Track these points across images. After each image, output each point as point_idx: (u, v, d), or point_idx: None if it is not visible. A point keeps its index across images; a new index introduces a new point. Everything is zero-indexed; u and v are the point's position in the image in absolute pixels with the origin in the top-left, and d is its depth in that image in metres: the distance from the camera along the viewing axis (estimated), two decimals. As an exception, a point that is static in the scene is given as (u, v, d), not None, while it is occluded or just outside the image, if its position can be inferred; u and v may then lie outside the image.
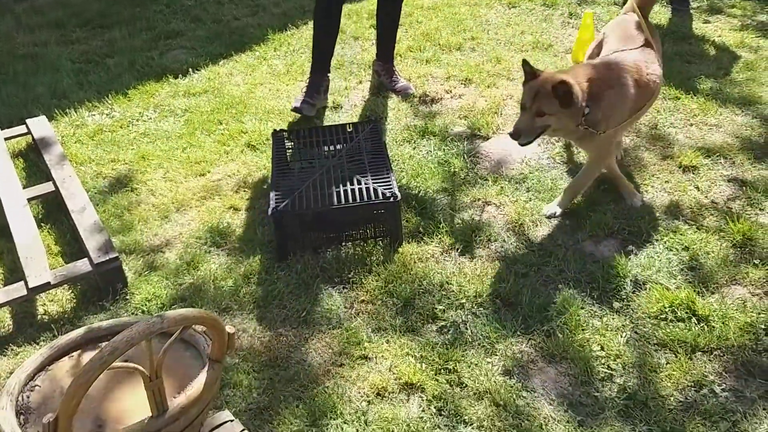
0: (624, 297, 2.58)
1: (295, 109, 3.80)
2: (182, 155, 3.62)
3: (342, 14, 3.85)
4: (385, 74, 4.13)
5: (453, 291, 2.65)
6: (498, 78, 4.19)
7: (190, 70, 4.50)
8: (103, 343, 1.72)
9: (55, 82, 4.45)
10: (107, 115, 4.05)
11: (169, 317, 1.48)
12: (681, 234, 2.85)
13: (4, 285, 2.75)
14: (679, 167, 3.28)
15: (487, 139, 3.62)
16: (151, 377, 1.52)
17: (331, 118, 3.87)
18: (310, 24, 5.03)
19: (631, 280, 2.64)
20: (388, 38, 4.11)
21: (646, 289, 2.60)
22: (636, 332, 2.44)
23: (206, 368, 1.68)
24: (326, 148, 3.27)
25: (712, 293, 2.57)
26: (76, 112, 4.06)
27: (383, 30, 4.10)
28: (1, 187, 3.14)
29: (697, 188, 3.14)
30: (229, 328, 1.66)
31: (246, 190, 3.33)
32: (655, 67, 2.95)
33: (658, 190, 3.15)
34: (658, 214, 2.98)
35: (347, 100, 4.06)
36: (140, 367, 1.50)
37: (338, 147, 3.27)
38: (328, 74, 3.97)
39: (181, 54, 4.77)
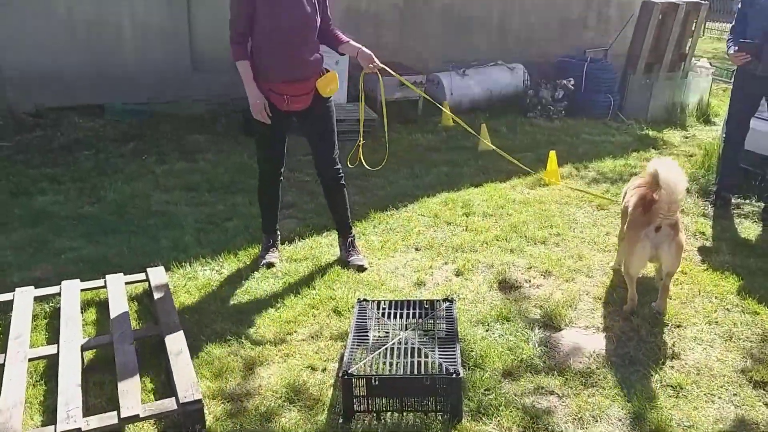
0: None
1: (269, 264, 4.53)
2: (275, 314, 3.98)
3: (438, 201, 4.26)
4: (344, 249, 4.67)
5: (504, 474, 2.72)
6: (577, 274, 4.40)
7: (297, 237, 4.99)
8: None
9: (179, 238, 5.04)
10: (217, 271, 4.53)
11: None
12: (743, 448, 2.83)
13: (100, 413, 3.07)
14: (750, 381, 3.29)
15: (559, 330, 3.77)
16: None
17: (413, 294, 4.16)
18: (409, 206, 5.54)
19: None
20: (342, 215, 4.69)
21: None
22: None
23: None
24: (403, 321, 3.54)
25: None
26: (191, 265, 4.57)
27: (335, 212, 4.69)
28: (116, 325, 3.57)
29: (766, 405, 3.12)
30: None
31: (325, 351, 3.60)
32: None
33: (725, 401, 3.16)
34: (721, 426, 2.97)
35: (431, 278, 4.37)
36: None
37: (414, 320, 3.53)
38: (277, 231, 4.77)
39: (292, 223, 5.31)
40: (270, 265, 4.55)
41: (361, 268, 4.49)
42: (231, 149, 7.21)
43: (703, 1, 9.54)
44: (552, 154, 6.12)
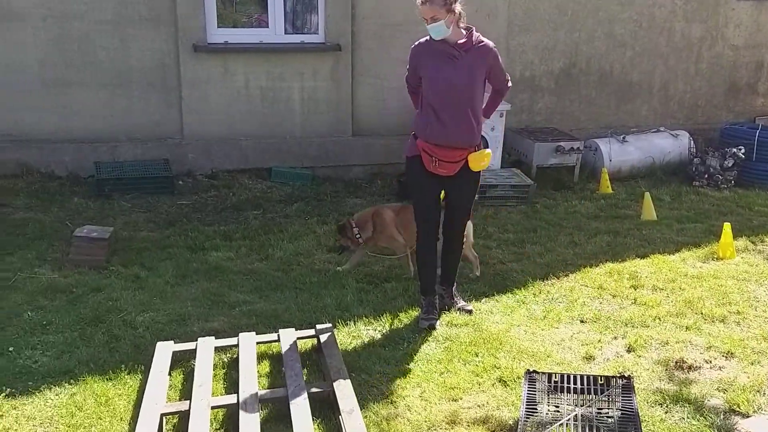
0: None
1: (430, 327, 4.56)
2: (439, 379, 3.96)
3: (602, 272, 4.19)
4: (448, 296, 4.88)
5: None
6: (763, 356, 4.06)
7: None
8: None
9: (341, 297, 5.17)
10: (379, 331, 4.59)
11: None
12: None
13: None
14: None
15: (747, 416, 3.47)
16: None
17: (582, 369, 4.00)
18: (571, 276, 5.40)
19: None
20: (452, 267, 4.92)
21: None
22: None
23: None
24: (576, 396, 3.40)
25: None
26: (354, 324, 4.67)
27: (447, 263, 4.89)
28: (290, 379, 3.70)
29: None
30: None
31: (492, 422, 3.52)
32: None
33: None
34: None
35: (601, 353, 4.19)
36: None
37: (588, 397, 3.38)
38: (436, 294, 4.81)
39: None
40: (431, 328, 4.56)
41: (470, 312, 4.79)
42: (387, 212, 7.40)
43: None
44: (726, 226, 5.77)
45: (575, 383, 3.51)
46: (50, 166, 7.41)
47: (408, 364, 4.14)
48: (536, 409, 3.36)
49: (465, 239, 4.96)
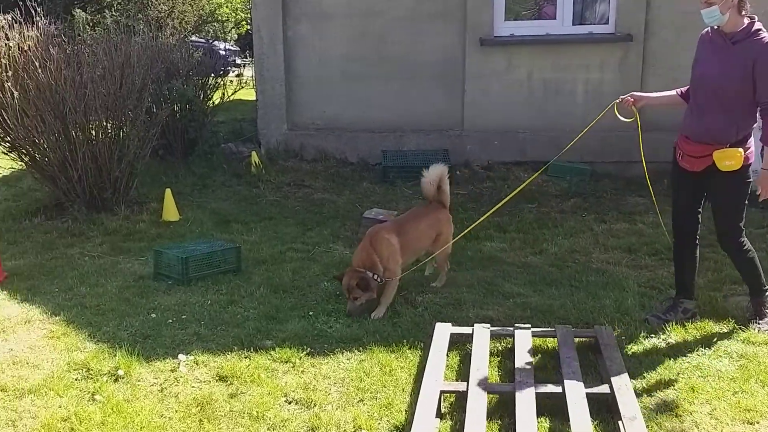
0: None
1: (645, 320, 4.50)
2: (732, 398, 3.60)
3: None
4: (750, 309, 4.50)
5: None
6: None
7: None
8: None
9: (621, 300, 4.93)
10: (663, 339, 4.29)
11: None
12: None
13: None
14: None
15: None
16: None
17: None
18: None
19: None
20: (745, 281, 4.57)
21: None
22: None
23: None
24: None
25: None
26: (635, 329, 4.41)
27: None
28: (567, 378, 3.62)
29: None
30: None
31: (799, 457, 3.11)
32: None
33: None
34: None
35: None
36: None
37: None
38: (686, 300, 4.57)
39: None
40: (645, 321, 4.51)
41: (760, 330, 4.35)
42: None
43: None
44: None
45: None
46: (344, 153, 8.14)
47: (696, 378, 3.82)
48: None
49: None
